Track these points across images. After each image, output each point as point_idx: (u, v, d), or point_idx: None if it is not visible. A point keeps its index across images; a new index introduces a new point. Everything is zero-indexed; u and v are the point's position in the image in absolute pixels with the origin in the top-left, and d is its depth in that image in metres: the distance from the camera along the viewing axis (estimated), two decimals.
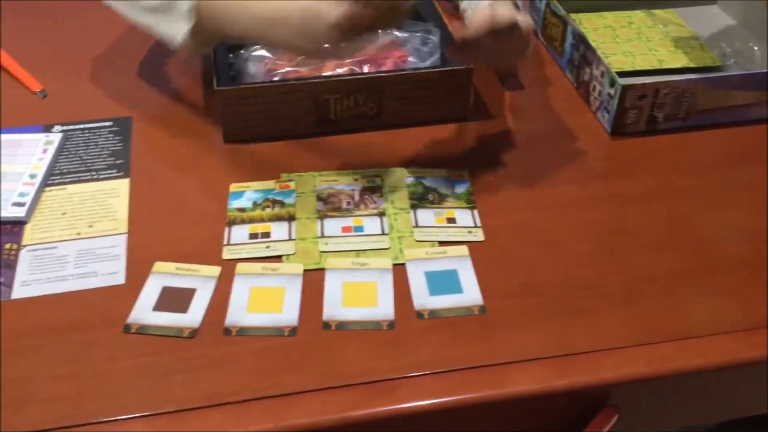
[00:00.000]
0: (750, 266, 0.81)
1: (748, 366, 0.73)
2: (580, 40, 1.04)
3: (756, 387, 0.78)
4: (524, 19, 0.83)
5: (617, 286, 0.79)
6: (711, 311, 0.76)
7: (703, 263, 0.82)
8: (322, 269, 0.80)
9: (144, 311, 0.74)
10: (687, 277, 0.80)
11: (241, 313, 0.75)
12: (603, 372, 0.71)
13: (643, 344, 0.73)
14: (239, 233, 0.84)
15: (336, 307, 0.76)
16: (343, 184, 0.91)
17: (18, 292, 0.76)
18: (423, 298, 0.77)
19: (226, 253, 0.81)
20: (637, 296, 0.78)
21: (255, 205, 0.88)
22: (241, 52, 1.00)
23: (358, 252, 0.82)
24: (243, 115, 0.95)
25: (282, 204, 0.88)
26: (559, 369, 0.71)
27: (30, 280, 0.77)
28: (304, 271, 0.80)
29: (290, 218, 0.86)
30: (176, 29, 0.87)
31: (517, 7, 0.84)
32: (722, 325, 0.75)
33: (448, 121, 1.01)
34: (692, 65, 1.11)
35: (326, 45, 0.81)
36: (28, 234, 0.83)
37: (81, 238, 0.82)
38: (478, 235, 0.85)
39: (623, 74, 1.07)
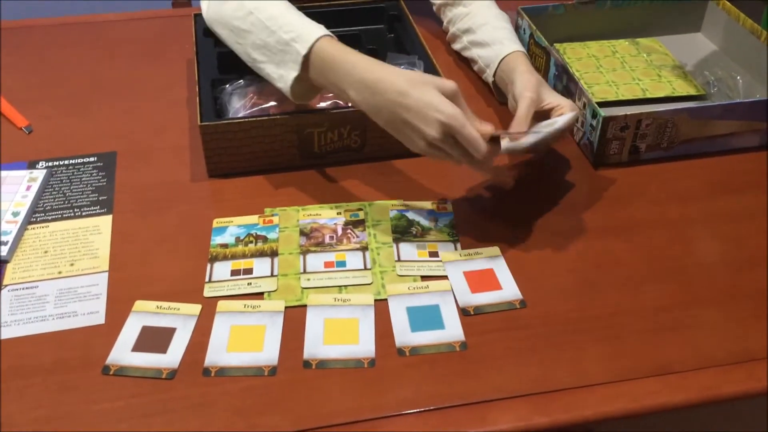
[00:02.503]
0: (732, 299, 0.81)
1: (730, 401, 0.72)
2: (563, 71, 1.05)
3: (738, 422, 0.77)
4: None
5: (599, 320, 0.79)
6: (693, 345, 0.76)
7: (685, 296, 0.81)
8: (304, 306, 0.80)
9: (123, 352, 0.74)
10: (669, 311, 0.80)
11: (220, 352, 0.74)
12: (584, 409, 0.70)
13: (624, 380, 0.72)
14: (221, 270, 0.84)
15: (317, 344, 0.75)
16: (326, 218, 0.91)
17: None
18: (405, 335, 0.77)
19: (208, 291, 0.81)
20: (619, 330, 0.78)
21: (238, 240, 0.87)
22: (226, 87, 1.00)
23: (341, 288, 0.82)
24: (227, 150, 0.95)
25: (265, 239, 0.88)
26: (541, 406, 0.70)
27: (10, 321, 0.77)
28: (286, 307, 0.79)
29: (273, 254, 0.86)
30: (285, 72, 0.88)
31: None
32: (704, 360, 0.74)
33: None
34: (676, 94, 1.11)
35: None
36: (9, 273, 0.82)
37: (62, 277, 0.82)
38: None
39: (607, 104, 1.08)
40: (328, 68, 0.85)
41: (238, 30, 0.92)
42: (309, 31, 0.87)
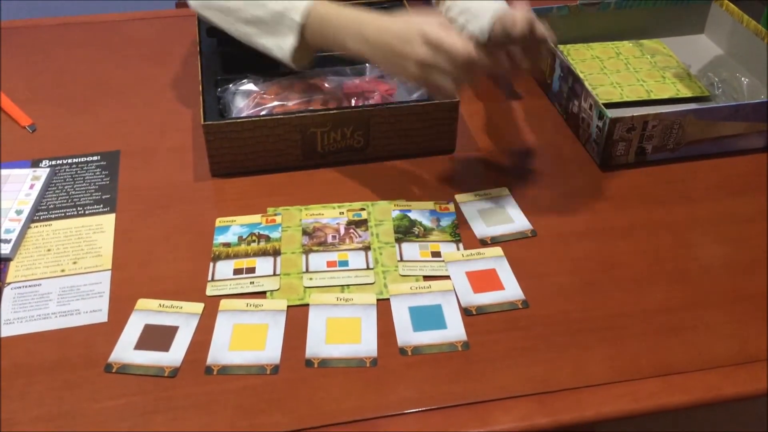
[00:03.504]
0: (735, 301, 0.81)
1: (731, 402, 0.72)
2: (569, 72, 1.05)
3: (739, 422, 0.77)
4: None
5: (602, 320, 0.79)
6: (695, 347, 0.76)
7: (687, 298, 0.81)
8: (306, 305, 0.80)
9: (125, 350, 0.74)
10: (671, 312, 0.80)
11: (223, 351, 0.74)
12: (586, 409, 0.70)
13: (626, 380, 0.72)
14: (224, 269, 0.84)
15: (319, 343, 0.75)
16: (328, 217, 0.91)
17: (1, 330, 0.76)
18: (407, 335, 0.77)
19: (210, 290, 0.81)
20: (622, 331, 0.77)
21: (240, 239, 0.88)
22: (229, 86, 1.01)
23: (343, 287, 0.82)
24: (230, 149, 0.95)
25: (267, 238, 0.88)
26: (543, 406, 0.70)
27: (13, 319, 0.77)
28: (288, 307, 0.79)
29: (275, 253, 0.86)
30: (281, 42, 0.90)
31: None
32: (706, 361, 0.74)
33: (435, 154, 1.01)
34: (680, 95, 1.11)
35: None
36: (12, 271, 0.82)
37: (65, 275, 0.82)
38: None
39: (611, 105, 1.08)
40: (325, 28, 0.88)
41: (227, 9, 0.94)
42: None
